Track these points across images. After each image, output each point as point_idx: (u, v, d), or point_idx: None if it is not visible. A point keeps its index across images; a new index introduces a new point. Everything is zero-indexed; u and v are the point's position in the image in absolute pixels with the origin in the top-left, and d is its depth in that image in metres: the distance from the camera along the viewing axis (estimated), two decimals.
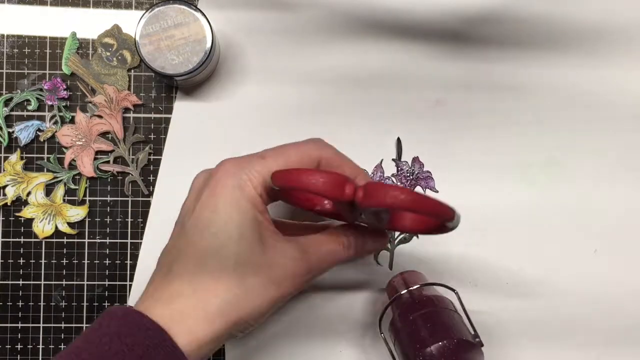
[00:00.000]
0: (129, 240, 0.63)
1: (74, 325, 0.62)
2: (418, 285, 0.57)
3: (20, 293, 0.62)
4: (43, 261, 0.62)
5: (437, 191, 0.63)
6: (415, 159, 0.63)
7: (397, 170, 0.63)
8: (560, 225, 0.63)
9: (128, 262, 0.63)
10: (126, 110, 0.63)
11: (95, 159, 0.62)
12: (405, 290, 0.57)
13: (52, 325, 0.62)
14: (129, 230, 0.63)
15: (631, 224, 0.64)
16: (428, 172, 0.63)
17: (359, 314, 0.62)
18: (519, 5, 0.63)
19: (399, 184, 0.63)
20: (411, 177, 0.63)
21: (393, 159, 0.63)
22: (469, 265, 0.63)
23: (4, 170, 0.62)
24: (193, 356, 0.44)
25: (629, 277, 0.63)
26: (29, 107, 0.62)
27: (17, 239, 0.62)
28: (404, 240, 0.63)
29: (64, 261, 0.62)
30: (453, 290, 0.58)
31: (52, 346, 0.62)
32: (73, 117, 0.62)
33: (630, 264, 0.63)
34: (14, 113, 0.62)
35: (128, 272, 0.63)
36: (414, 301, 0.56)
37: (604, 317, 0.63)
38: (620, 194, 0.64)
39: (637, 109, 0.64)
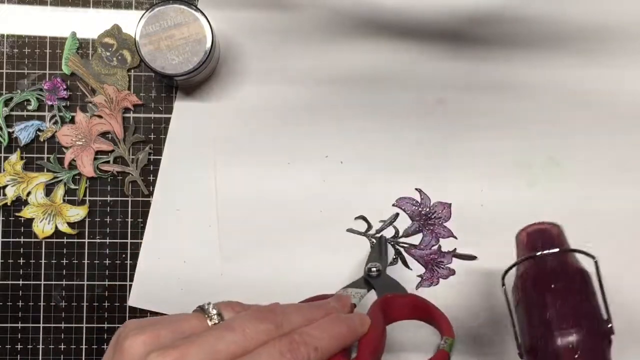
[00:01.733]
0: (129, 240, 0.63)
1: (74, 325, 0.62)
2: (556, 250, 0.48)
3: (20, 293, 0.62)
4: (43, 261, 0.62)
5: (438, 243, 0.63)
6: (446, 206, 0.63)
7: (420, 201, 0.63)
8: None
9: (128, 262, 0.63)
10: (126, 110, 0.63)
11: (95, 159, 0.62)
12: (541, 252, 0.48)
13: (52, 325, 0.62)
14: (129, 230, 0.63)
15: (632, 224, 0.63)
16: (446, 227, 0.63)
17: None
18: (519, 4, 0.63)
19: (414, 209, 0.63)
20: (427, 216, 0.63)
21: (417, 189, 0.63)
22: (466, 264, 0.63)
23: (4, 170, 0.62)
24: None
25: (629, 277, 0.63)
26: (29, 107, 0.62)
27: (17, 239, 0.62)
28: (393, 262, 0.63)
29: (64, 261, 0.62)
30: (592, 257, 0.49)
31: (52, 346, 0.62)
32: (73, 117, 0.62)
33: (630, 264, 0.63)
34: (14, 113, 0.62)
35: (128, 272, 0.62)
36: (556, 268, 0.48)
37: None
38: (621, 194, 0.63)
39: (637, 108, 0.64)
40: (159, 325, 0.39)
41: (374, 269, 0.57)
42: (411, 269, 0.63)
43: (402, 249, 0.63)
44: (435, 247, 0.63)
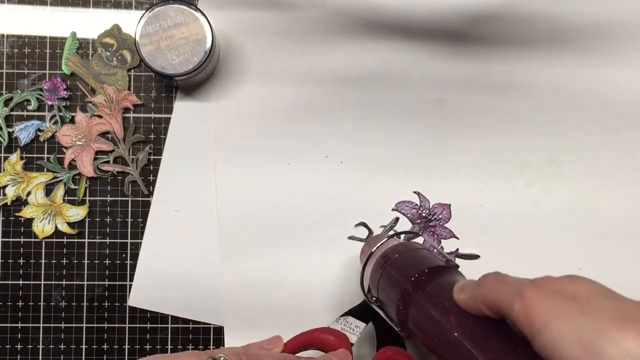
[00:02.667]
0: (129, 240, 0.63)
1: (74, 325, 0.62)
2: (383, 240, 0.56)
3: (20, 293, 0.62)
4: (43, 261, 0.62)
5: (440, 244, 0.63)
6: (446, 207, 0.63)
7: (420, 204, 0.63)
8: (559, 225, 0.63)
9: (128, 262, 0.63)
10: (126, 110, 0.63)
11: (95, 159, 0.62)
12: (375, 249, 0.55)
13: (52, 325, 0.62)
14: (129, 230, 0.63)
15: (631, 224, 0.64)
16: (447, 228, 0.63)
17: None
18: (519, 4, 0.63)
19: (414, 212, 0.63)
20: (427, 218, 0.63)
21: (415, 192, 0.63)
22: (467, 264, 0.63)
23: (4, 170, 0.62)
24: None
25: (629, 276, 0.63)
26: (29, 107, 0.62)
27: (17, 239, 0.62)
28: None
29: (64, 261, 0.62)
30: (418, 234, 0.57)
31: (52, 346, 0.62)
32: (73, 117, 0.62)
33: (630, 263, 0.63)
34: (14, 113, 0.62)
35: (128, 272, 0.62)
36: (383, 256, 0.54)
37: None
38: (621, 194, 0.64)
39: (637, 108, 0.64)
40: None
41: (374, 298, 0.57)
42: None
43: None
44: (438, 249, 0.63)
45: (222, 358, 0.42)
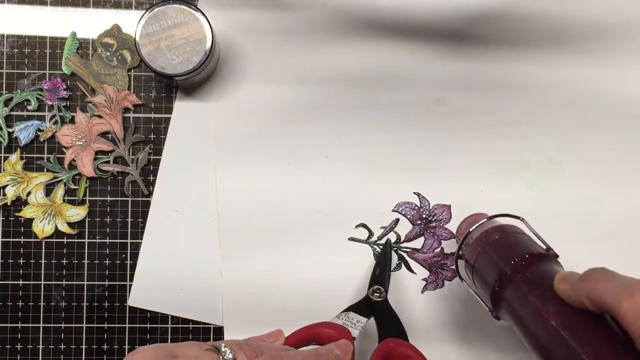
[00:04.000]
0: (129, 240, 0.63)
1: (74, 325, 0.62)
2: (484, 220, 0.57)
3: (20, 293, 0.62)
4: (43, 261, 0.62)
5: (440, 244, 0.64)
6: (446, 208, 0.63)
7: (420, 205, 0.63)
8: (559, 225, 0.63)
9: (128, 262, 0.63)
10: (126, 110, 0.63)
11: (95, 159, 0.62)
12: (474, 227, 0.57)
13: (52, 325, 0.62)
14: (129, 230, 0.63)
15: (631, 224, 0.63)
16: (448, 229, 0.63)
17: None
18: (519, 4, 0.63)
19: (414, 213, 0.63)
20: (427, 219, 0.63)
21: (415, 193, 0.63)
22: None
23: (4, 170, 0.62)
24: None
25: (630, 273, 0.63)
26: (29, 107, 0.62)
27: (17, 239, 0.62)
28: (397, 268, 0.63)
29: (64, 261, 0.62)
30: (518, 217, 0.57)
31: (52, 346, 0.62)
32: (73, 117, 0.62)
33: (630, 263, 0.63)
34: (14, 113, 0.62)
35: (128, 272, 0.62)
36: (483, 234, 0.55)
37: None
38: (621, 193, 0.63)
39: (637, 108, 0.64)
40: (176, 355, 0.39)
41: (377, 294, 0.58)
42: (415, 273, 0.63)
43: (404, 254, 0.63)
44: (438, 250, 0.63)
45: (224, 347, 0.42)
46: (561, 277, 0.45)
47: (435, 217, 0.63)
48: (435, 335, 0.63)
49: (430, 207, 0.63)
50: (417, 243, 0.63)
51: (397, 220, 0.63)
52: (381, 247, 0.63)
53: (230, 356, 0.41)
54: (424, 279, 0.63)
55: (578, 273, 0.44)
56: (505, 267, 0.50)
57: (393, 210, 0.63)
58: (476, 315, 0.63)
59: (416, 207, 0.63)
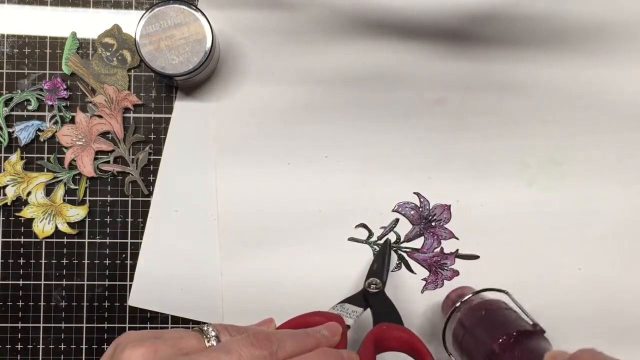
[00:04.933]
0: (129, 240, 0.63)
1: (74, 325, 0.62)
2: (469, 295, 0.58)
3: (20, 293, 0.62)
4: (43, 261, 0.62)
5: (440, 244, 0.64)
6: (446, 208, 0.63)
7: (420, 204, 0.63)
8: (559, 225, 0.63)
9: (128, 262, 0.63)
10: (126, 110, 0.63)
11: (95, 159, 0.62)
12: (459, 303, 0.57)
13: (52, 325, 0.62)
14: (129, 230, 0.63)
15: (631, 224, 0.63)
16: (447, 229, 0.63)
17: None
18: (519, 4, 0.63)
19: (414, 213, 0.63)
20: (427, 219, 0.63)
21: (415, 193, 0.63)
22: (467, 265, 0.63)
23: (4, 170, 0.62)
24: None
25: (629, 277, 0.63)
26: (29, 107, 0.62)
27: (17, 239, 0.62)
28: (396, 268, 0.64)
29: (64, 261, 0.62)
30: (503, 291, 0.58)
31: (52, 346, 0.62)
32: (73, 117, 0.62)
33: (630, 264, 0.63)
34: (14, 113, 0.62)
35: (128, 272, 0.62)
36: (470, 310, 0.56)
37: (604, 316, 0.63)
38: (621, 194, 0.63)
39: (638, 108, 0.64)
40: (158, 340, 0.40)
41: (373, 285, 0.58)
42: (415, 273, 0.63)
43: (404, 254, 0.63)
44: (438, 250, 0.63)
45: (206, 326, 0.42)
46: (550, 357, 0.45)
47: (435, 217, 0.63)
48: (437, 335, 0.63)
49: (430, 207, 0.63)
50: (417, 243, 0.63)
51: (397, 220, 0.63)
52: (380, 246, 0.63)
53: (213, 334, 0.42)
54: (424, 279, 0.63)
55: (567, 353, 0.44)
56: (493, 345, 0.51)
57: (393, 211, 0.63)
58: None
59: (416, 207, 0.63)
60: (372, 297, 0.58)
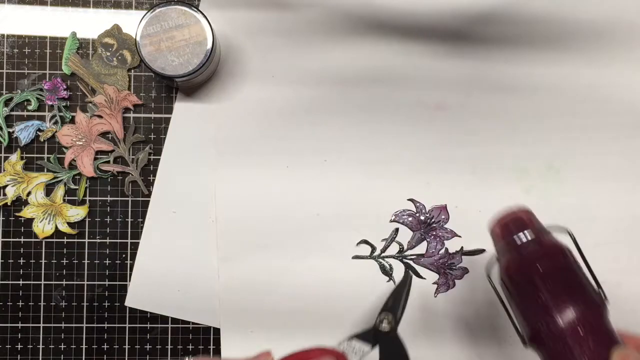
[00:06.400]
0: (129, 240, 0.63)
1: (74, 325, 0.62)
2: (532, 235, 0.49)
3: (20, 293, 0.62)
4: (43, 261, 0.62)
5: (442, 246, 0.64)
6: (442, 208, 0.63)
7: (416, 210, 0.63)
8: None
9: (128, 262, 0.63)
10: (126, 110, 0.63)
11: (95, 159, 0.62)
12: (528, 235, 0.49)
13: (52, 325, 0.62)
14: (129, 230, 0.63)
15: (629, 231, 0.63)
16: (448, 228, 0.63)
17: None
18: (520, 5, 0.63)
19: (412, 219, 0.63)
20: (426, 222, 0.63)
21: (410, 199, 0.63)
22: (475, 261, 0.63)
23: (4, 170, 0.62)
24: None
25: (627, 284, 0.63)
26: (29, 107, 0.62)
27: (17, 239, 0.62)
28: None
29: (64, 261, 0.62)
30: (567, 231, 0.50)
31: (52, 346, 0.62)
32: (73, 117, 0.62)
33: (629, 271, 0.63)
34: (14, 113, 0.62)
35: (128, 272, 0.63)
36: (537, 248, 0.48)
37: None
38: (620, 200, 0.63)
39: (637, 115, 0.64)
40: None
41: (385, 321, 0.54)
42: (425, 278, 0.63)
43: (410, 262, 0.63)
44: (443, 251, 0.63)
45: None
46: (621, 357, 0.43)
47: (433, 219, 0.63)
48: (459, 334, 0.63)
49: (427, 210, 0.63)
50: (421, 248, 0.63)
51: (397, 229, 0.63)
52: (401, 279, 0.61)
53: None
54: (435, 282, 0.63)
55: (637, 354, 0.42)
56: (556, 311, 0.45)
57: (392, 221, 0.63)
58: (492, 309, 0.62)
59: (413, 214, 0.63)
60: (382, 337, 0.54)
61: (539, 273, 0.47)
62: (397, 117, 0.63)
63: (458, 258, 0.63)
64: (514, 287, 0.48)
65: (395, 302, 0.56)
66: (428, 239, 0.63)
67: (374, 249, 0.63)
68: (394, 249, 0.63)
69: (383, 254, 0.63)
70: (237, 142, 0.63)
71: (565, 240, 0.49)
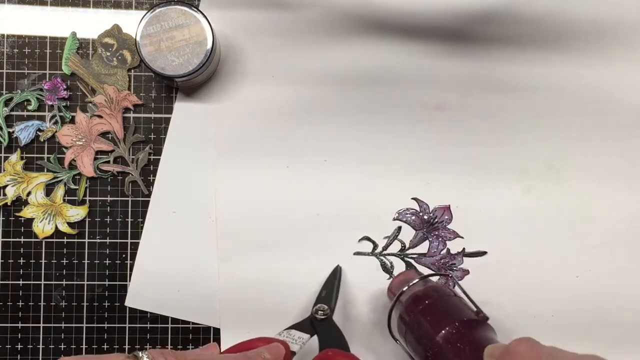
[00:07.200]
0: (129, 240, 0.63)
1: (74, 325, 0.62)
2: (415, 281, 0.57)
3: (20, 293, 0.62)
4: (43, 261, 0.62)
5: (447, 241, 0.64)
6: (445, 209, 0.63)
7: (419, 209, 0.63)
8: (557, 232, 0.63)
9: (128, 262, 0.63)
10: (126, 110, 0.63)
11: (95, 159, 0.62)
12: (405, 288, 0.57)
13: (52, 325, 0.62)
14: (129, 230, 0.63)
15: (629, 232, 0.63)
16: (451, 229, 0.63)
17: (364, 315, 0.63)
18: (520, 4, 0.63)
19: (415, 218, 0.63)
20: (429, 222, 0.63)
21: (413, 198, 0.63)
22: (476, 263, 0.63)
23: (4, 170, 0.62)
24: None
25: (627, 284, 0.63)
26: (29, 107, 0.62)
27: (17, 239, 0.62)
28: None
29: (64, 261, 0.62)
30: (447, 275, 0.58)
31: (52, 346, 0.62)
32: (73, 117, 0.62)
33: (630, 270, 0.63)
34: (14, 113, 0.62)
35: (128, 272, 0.63)
36: (413, 298, 0.56)
37: (601, 324, 0.63)
38: (620, 201, 0.63)
39: (637, 115, 0.64)
40: None
41: (320, 312, 0.58)
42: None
43: (412, 260, 0.63)
44: (444, 251, 0.63)
45: (142, 353, 0.40)
46: (490, 352, 0.45)
47: (436, 220, 0.63)
48: None
49: (430, 210, 0.63)
50: (423, 248, 0.63)
51: (400, 227, 0.63)
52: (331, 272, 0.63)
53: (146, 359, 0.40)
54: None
55: (504, 346, 0.43)
56: (436, 336, 0.51)
57: (395, 219, 0.63)
58: (494, 310, 0.62)
59: (416, 212, 0.63)
60: (319, 324, 0.57)
61: (424, 308, 0.54)
62: (397, 117, 0.63)
63: (459, 259, 0.63)
64: (405, 332, 0.55)
65: (328, 293, 0.60)
66: (430, 239, 0.63)
67: (375, 246, 0.63)
68: (395, 247, 0.63)
69: (385, 252, 0.63)
70: (237, 142, 0.63)
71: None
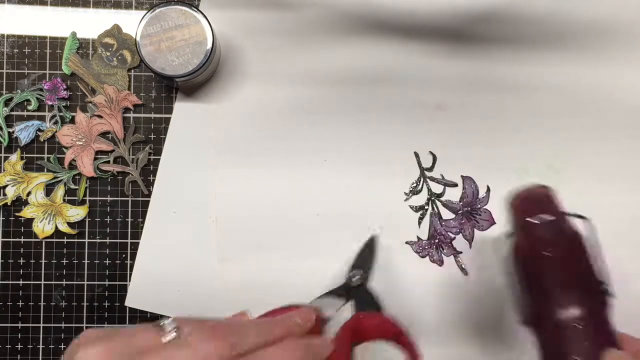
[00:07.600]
0: (129, 240, 0.63)
1: (74, 325, 0.62)
2: (551, 217, 0.46)
3: (20, 293, 0.62)
4: (43, 261, 0.62)
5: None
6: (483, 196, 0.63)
7: (463, 192, 0.63)
8: None
9: (128, 262, 0.63)
10: (126, 110, 0.63)
11: (95, 159, 0.62)
12: (546, 217, 0.46)
13: (52, 325, 0.62)
14: (129, 230, 0.63)
15: (631, 232, 0.63)
16: (488, 211, 0.63)
17: None
18: (520, 4, 0.63)
19: (460, 204, 0.63)
20: (469, 205, 0.63)
21: (463, 176, 0.63)
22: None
23: (4, 170, 0.62)
24: None
25: (630, 284, 0.63)
26: (29, 107, 0.62)
27: (17, 239, 0.62)
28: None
29: (64, 261, 0.62)
30: (585, 218, 0.47)
31: (52, 346, 0.62)
32: (73, 117, 0.62)
33: (631, 271, 0.63)
34: (14, 113, 0.62)
35: (128, 272, 0.63)
36: (552, 232, 0.46)
37: None
38: (620, 201, 0.63)
39: (638, 116, 0.64)
40: (113, 339, 0.38)
41: (356, 278, 0.58)
42: (467, 274, 0.63)
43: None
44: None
45: (167, 322, 0.40)
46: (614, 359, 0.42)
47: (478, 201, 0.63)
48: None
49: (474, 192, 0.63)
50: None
51: (374, 237, 0.63)
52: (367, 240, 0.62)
53: (170, 328, 0.40)
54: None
55: (629, 355, 0.41)
56: (559, 305, 0.43)
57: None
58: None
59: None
60: (354, 290, 0.57)
61: (549, 259, 0.44)
62: (397, 117, 0.63)
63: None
64: (522, 265, 0.46)
65: (364, 261, 0.60)
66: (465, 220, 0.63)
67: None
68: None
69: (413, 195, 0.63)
70: (236, 142, 0.63)
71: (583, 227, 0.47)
